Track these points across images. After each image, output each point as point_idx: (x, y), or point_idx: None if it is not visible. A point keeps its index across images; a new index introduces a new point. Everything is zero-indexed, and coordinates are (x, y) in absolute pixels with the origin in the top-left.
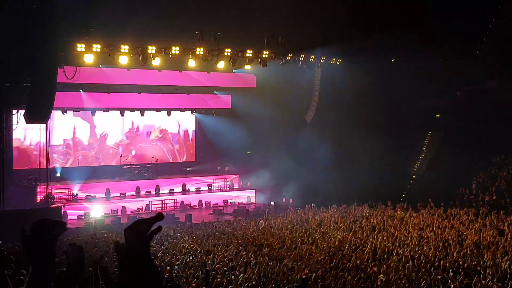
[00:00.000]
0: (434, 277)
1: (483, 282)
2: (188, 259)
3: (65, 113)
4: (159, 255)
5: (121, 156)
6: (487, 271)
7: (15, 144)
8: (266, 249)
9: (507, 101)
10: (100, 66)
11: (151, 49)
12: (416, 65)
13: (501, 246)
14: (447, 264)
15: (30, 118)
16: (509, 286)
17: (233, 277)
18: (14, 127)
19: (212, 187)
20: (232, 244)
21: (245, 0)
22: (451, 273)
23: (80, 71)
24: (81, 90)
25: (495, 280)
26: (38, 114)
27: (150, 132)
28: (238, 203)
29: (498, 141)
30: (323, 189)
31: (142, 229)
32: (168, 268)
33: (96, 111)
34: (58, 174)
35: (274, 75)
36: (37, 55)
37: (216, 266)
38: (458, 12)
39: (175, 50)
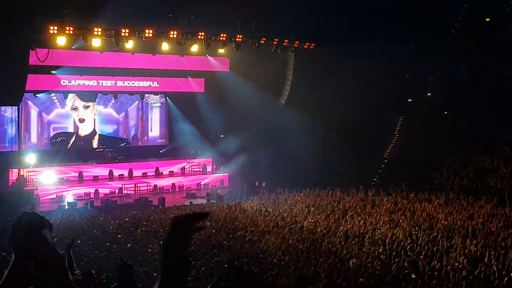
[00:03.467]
0: (404, 260)
1: (453, 265)
2: (161, 243)
3: (37, 96)
4: (135, 238)
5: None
6: (457, 254)
7: None
8: (239, 232)
9: (477, 86)
10: (73, 48)
11: (124, 32)
12: (388, 49)
13: (470, 229)
14: (418, 248)
15: (2, 101)
16: (478, 269)
17: (205, 260)
18: None
19: (185, 170)
20: (205, 227)
21: None
22: (422, 256)
23: (53, 53)
24: (53, 73)
25: (464, 263)
26: (10, 97)
27: (124, 115)
28: (211, 186)
29: (469, 125)
30: (296, 173)
31: (186, 225)
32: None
33: (69, 93)
34: (30, 157)
35: (247, 59)
36: (8, 37)
37: (190, 248)
38: None
39: (148, 33)
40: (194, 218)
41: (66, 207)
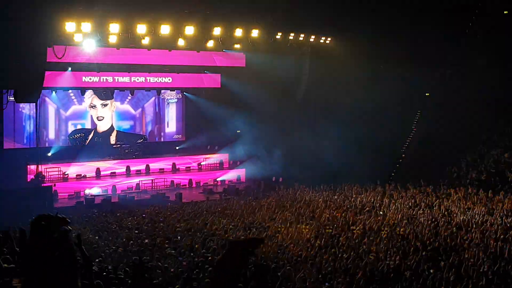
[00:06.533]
0: (423, 254)
1: (472, 260)
2: (177, 238)
3: (54, 93)
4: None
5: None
6: (476, 250)
7: (5, 123)
8: (256, 228)
9: (496, 79)
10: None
11: (141, 28)
12: (406, 43)
13: (489, 224)
14: (437, 243)
15: (20, 98)
16: (497, 264)
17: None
18: (4, 106)
19: (202, 166)
20: (221, 223)
21: None
22: (441, 251)
23: (70, 50)
24: (69, 69)
25: (484, 259)
26: (28, 94)
27: (140, 111)
28: (228, 181)
29: (488, 119)
30: (313, 168)
31: (242, 250)
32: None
33: (86, 90)
34: (49, 154)
35: (263, 54)
36: (26, 34)
37: (208, 245)
38: None
39: (165, 29)
40: (249, 244)
41: (84, 203)
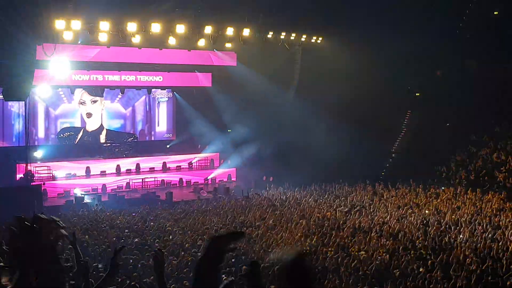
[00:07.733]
0: (413, 253)
1: (460, 259)
2: (168, 237)
3: (44, 91)
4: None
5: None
6: (465, 248)
7: None
8: (246, 227)
9: (486, 80)
10: (79, 43)
11: (131, 27)
12: (396, 43)
13: (478, 224)
14: (426, 242)
15: (9, 96)
16: (486, 263)
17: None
18: None
19: (193, 165)
20: (212, 222)
21: None
22: (430, 250)
23: (59, 48)
24: (60, 67)
25: (472, 257)
26: (17, 92)
27: (131, 110)
28: (219, 181)
29: (477, 120)
30: (303, 167)
31: (221, 246)
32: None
33: (76, 88)
34: (37, 155)
35: (255, 53)
36: (15, 32)
37: (198, 243)
38: None
39: (155, 27)
40: (230, 239)
41: (74, 202)
